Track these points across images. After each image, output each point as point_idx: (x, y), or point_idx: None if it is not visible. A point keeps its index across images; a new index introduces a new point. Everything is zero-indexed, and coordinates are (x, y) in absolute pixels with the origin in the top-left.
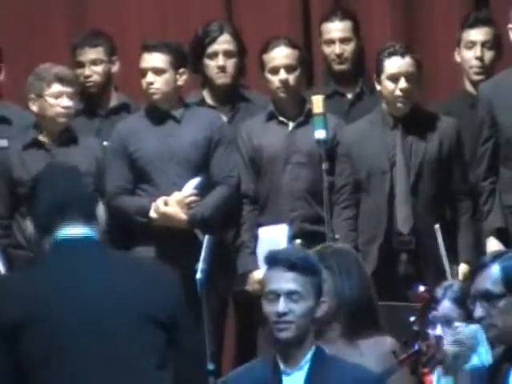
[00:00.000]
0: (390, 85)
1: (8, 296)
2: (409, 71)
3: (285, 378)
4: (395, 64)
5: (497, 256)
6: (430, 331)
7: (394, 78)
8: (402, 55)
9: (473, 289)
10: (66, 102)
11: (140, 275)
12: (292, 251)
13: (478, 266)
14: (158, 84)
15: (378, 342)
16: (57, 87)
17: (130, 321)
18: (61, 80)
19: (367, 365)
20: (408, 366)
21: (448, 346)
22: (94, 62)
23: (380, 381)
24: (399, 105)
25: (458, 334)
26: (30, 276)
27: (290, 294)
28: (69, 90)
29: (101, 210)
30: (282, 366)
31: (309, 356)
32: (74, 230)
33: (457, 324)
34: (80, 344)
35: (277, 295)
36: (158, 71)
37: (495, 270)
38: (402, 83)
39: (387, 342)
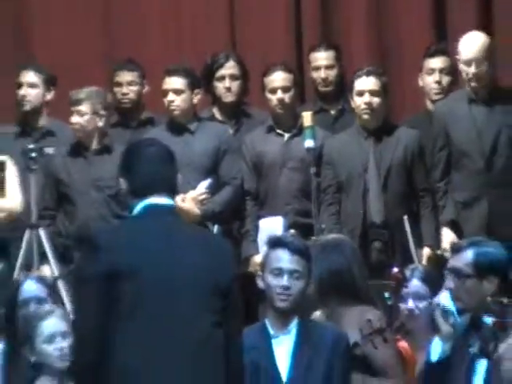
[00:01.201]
0: (357, 100)
1: (114, 246)
2: (372, 88)
3: (274, 341)
4: (361, 82)
5: (473, 243)
6: (402, 305)
7: (360, 94)
8: (367, 75)
9: (448, 264)
10: (72, 119)
11: (207, 246)
12: (296, 238)
13: (456, 247)
14: (177, 102)
15: (359, 313)
16: (72, 108)
17: (198, 286)
18: (71, 101)
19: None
20: (380, 337)
21: (437, 312)
22: (131, 83)
23: (348, 341)
24: (365, 116)
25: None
26: (128, 232)
27: (293, 273)
28: (78, 108)
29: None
30: (271, 331)
31: (294, 323)
32: (160, 200)
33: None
34: (157, 300)
35: (282, 272)
36: (178, 91)
37: (469, 253)
38: (366, 97)
39: (367, 314)
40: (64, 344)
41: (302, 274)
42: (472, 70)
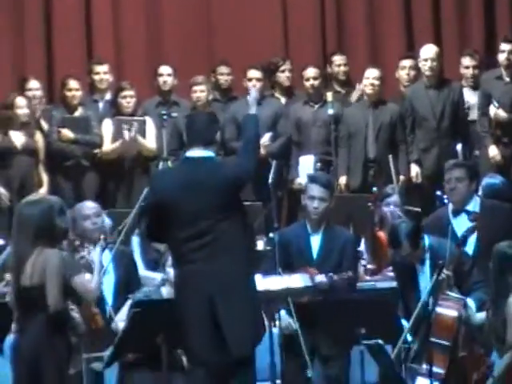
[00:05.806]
0: (365, 81)
1: (157, 187)
2: (374, 76)
3: (311, 236)
4: (368, 72)
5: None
6: (386, 208)
7: (367, 78)
8: (371, 68)
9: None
10: (193, 95)
11: (219, 171)
12: (325, 176)
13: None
14: (258, 86)
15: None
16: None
17: (213, 195)
18: (193, 83)
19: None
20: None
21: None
22: (228, 74)
23: (354, 240)
24: (369, 91)
25: None
26: (168, 176)
27: (321, 199)
28: (197, 87)
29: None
30: (309, 229)
31: (323, 226)
32: (195, 152)
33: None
34: (180, 217)
35: (314, 198)
36: (259, 79)
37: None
38: (371, 80)
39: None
40: None
41: (326, 199)
42: (428, 64)
